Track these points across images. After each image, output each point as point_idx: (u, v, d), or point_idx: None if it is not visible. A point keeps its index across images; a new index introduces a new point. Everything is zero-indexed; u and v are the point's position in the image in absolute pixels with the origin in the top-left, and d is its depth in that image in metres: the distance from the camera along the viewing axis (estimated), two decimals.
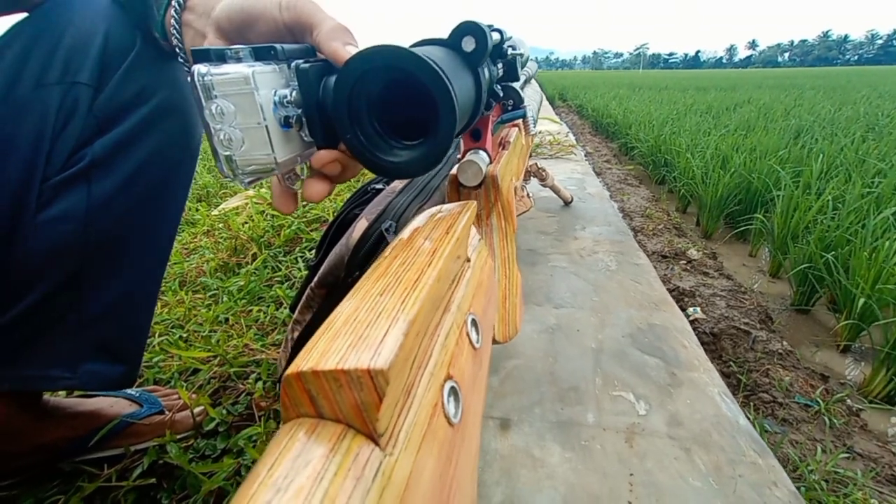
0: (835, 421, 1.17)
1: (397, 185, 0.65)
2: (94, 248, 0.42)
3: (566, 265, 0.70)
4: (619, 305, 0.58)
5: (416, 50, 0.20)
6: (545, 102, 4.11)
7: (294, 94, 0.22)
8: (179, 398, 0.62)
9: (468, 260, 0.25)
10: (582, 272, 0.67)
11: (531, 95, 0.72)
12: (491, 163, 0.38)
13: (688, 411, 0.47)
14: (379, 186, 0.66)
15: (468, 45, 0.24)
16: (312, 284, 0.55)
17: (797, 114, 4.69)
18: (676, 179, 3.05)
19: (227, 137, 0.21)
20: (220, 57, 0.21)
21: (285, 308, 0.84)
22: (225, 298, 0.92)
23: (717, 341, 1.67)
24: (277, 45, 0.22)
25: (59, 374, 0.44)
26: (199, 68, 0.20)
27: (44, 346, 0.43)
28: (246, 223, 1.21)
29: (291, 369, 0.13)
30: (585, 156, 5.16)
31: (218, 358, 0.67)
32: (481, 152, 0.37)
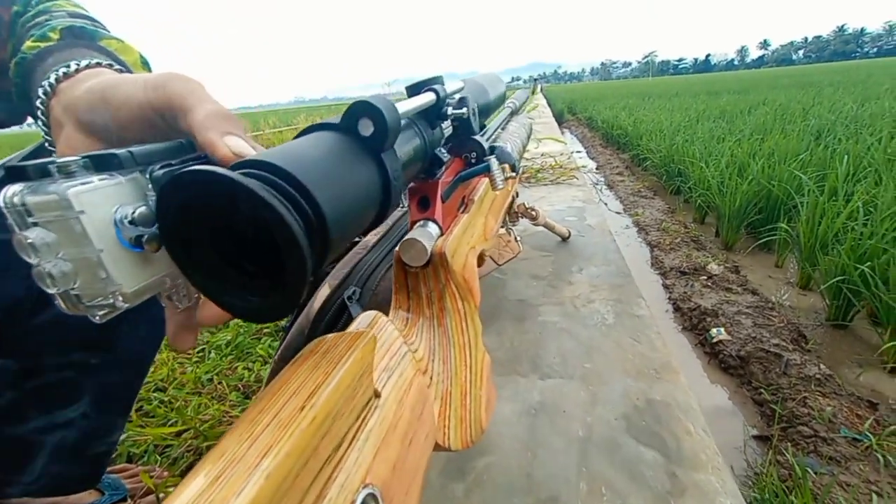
0: (890, 458, 1.05)
1: (371, 238, 0.60)
2: (73, 353, 0.41)
3: (557, 319, 0.63)
4: (614, 373, 0.51)
5: (274, 158, 0.15)
6: (552, 121, 4.07)
7: (143, 209, 0.18)
8: (154, 476, 0.58)
9: (377, 395, 0.20)
10: (575, 328, 0.60)
11: (513, 130, 0.68)
12: (443, 234, 0.33)
13: None
14: (354, 240, 0.62)
15: (365, 128, 0.19)
16: (276, 357, 0.50)
17: (817, 113, 4.52)
18: (692, 190, 2.94)
19: (53, 272, 0.17)
20: (42, 173, 0.17)
21: (270, 364, 0.80)
22: (213, 354, 0.89)
23: (745, 365, 1.55)
24: (122, 151, 0.18)
25: (25, 479, 0.41)
26: (12, 189, 0.16)
27: (6, 449, 0.40)
28: None
29: None
30: (597, 168, 5.08)
31: (190, 429, 0.63)
32: (430, 224, 0.32)
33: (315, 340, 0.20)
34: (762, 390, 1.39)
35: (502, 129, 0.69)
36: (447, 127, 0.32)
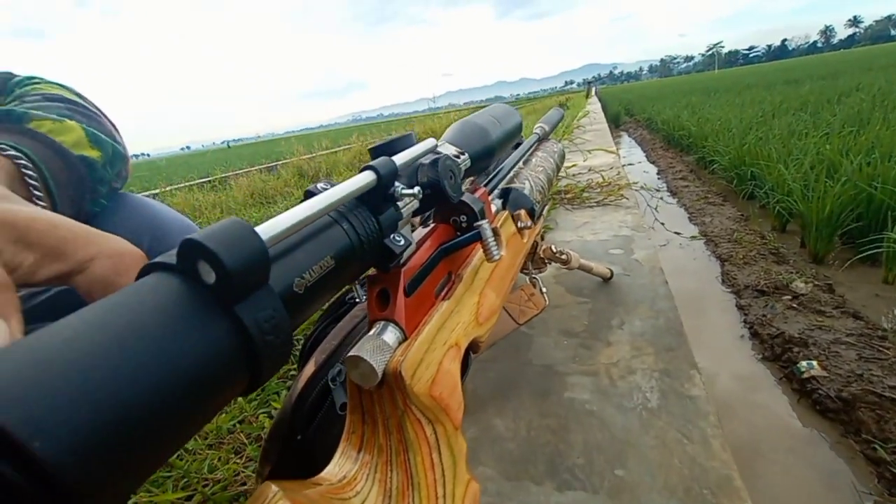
0: None
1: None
2: None
3: (588, 397, 0.52)
4: (652, 488, 0.38)
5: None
6: (604, 127, 3.84)
7: None
8: None
9: None
10: (608, 412, 0.48)
11: (537, 163, 0.59)
12: (407, 338, 0.26)
13: None
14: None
15: (207, 274, 0.13)
16: (266, 435, 0.46)
17: None
18: (768, 195, 2.61)
19: None
20: None
21: None
22: (240, 399, 0.87)
23: (850, 411, 1.29)
24: None
25: None
26: None
27: None
28: None
29: None
30: (658, 174, 4.71)
31: (197, 493, 0.61)
32: (388, 330, 0.25)
33: None
34: (876, 446, 1.14)
35: (524, 162, 0.61)
36: (408, 204, 0.25)
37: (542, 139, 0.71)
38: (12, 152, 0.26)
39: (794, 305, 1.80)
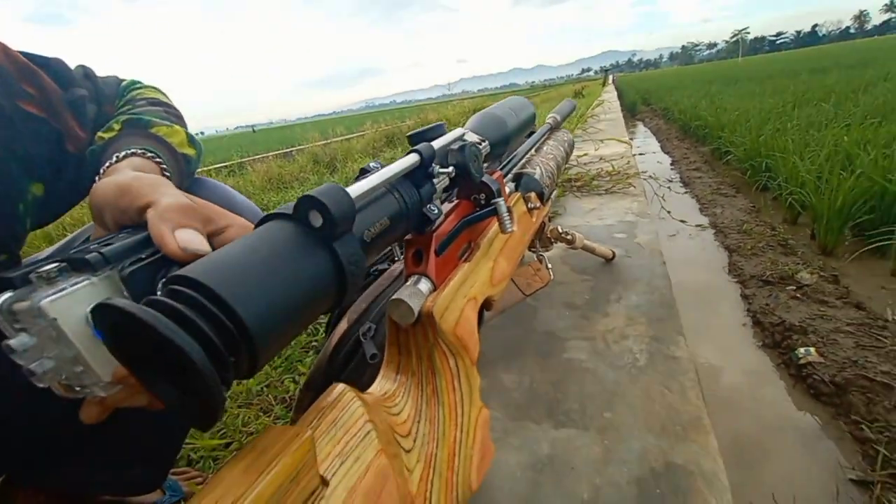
0: None
1: (398, 267, 0.61)
2: None
3: (585, 357, 0.58)
4: (634, 426, 0.45)
5: (198, 270, 0.16)
6: (618, 117, 3.82)
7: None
8: (201, 482, 0.64)
9: (326, 483, 0.20)
10: (601, 370, 0.55)
11: (548, 150, 0.64)
12: (436, 288, 0.32)
13: None
14: (382, 267, 0.63)
15: (315, 219, 0.19)
16: (301, 386, 0.53)
17: None
18: (781, 187, 2.61)
19: (37, 371, 0.19)
20: (25, 282, 0.19)
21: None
22: (266, 367, 0.95)
23: (842, 394, 1.34)
24: (92, 255, 0.19)
25: (106, 479, 0.46)
26: (1, 298, 0.18)
27: (97, 451, 0.45)
28: None
29: None
30: (672, 164, 4.69)
31: (234, 442, 0.69)
32: (422, 280, 0.32)
33: (256, 436, 0.20)
34: (864, 426, 1.19)
35: (536, 149, 0.66)
36: (441, 180, 0.31)
37: (553, 128, 0.76)
38: (159, 159, 0.34)
39: (798, 296, 1.83)
